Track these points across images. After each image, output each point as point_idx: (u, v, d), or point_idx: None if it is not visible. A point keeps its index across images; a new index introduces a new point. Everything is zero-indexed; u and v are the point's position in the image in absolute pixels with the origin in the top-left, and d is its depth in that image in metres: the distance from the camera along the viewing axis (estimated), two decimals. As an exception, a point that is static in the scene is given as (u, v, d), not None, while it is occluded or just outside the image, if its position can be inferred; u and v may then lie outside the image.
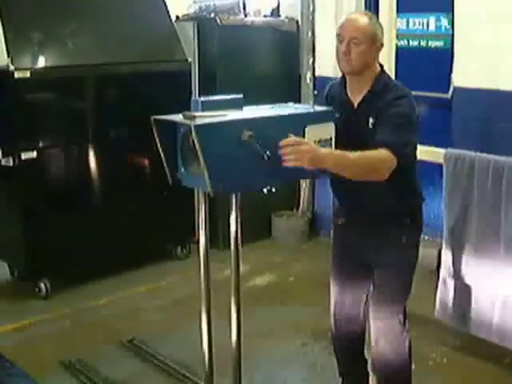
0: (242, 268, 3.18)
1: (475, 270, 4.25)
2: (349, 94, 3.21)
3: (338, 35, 3.11)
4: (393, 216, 3.23)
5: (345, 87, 3.23)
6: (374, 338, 3.38)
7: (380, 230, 3.25)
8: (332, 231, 3.57)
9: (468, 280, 4.29)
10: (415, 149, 3.14)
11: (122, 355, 4.50)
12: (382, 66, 3.23)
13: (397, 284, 3.31)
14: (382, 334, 3.35)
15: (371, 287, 3.38)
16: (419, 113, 3.17)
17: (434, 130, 5.46)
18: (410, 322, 3.36)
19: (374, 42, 3.10)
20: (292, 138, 2.76)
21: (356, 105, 3.17)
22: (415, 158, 3.20)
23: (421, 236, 3.37)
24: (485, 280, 4.20)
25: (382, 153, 2.89)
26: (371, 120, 3.07)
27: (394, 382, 3.43)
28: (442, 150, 4.48)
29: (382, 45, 3.16)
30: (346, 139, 3.05)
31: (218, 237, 5.80)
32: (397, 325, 3.31)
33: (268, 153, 2.72)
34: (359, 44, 3.05)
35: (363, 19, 3.12)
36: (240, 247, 3.12)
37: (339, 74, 3.27)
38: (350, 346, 3.64)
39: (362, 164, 2.90)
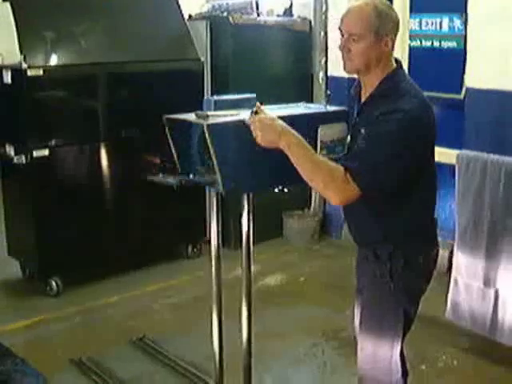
0: (252, 268, 3.17)
1: (487, 272, 4.24)
2: (362, 95, 2.84)
3: (339, 29, 2.72)
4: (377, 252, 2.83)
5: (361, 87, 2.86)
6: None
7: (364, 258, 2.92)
8: None
9: (480, 281, 4.27)
10: (404, 173, 2.65)
11: (131, 353, 4.50)
12: (399, 62, 2.79)
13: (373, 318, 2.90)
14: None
15: None
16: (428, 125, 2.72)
17: (446, 131, 5.45)
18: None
19: (378, 36, 2.65)
20: (258, 105, 2.70)
21: (359, 108, 2.83)
22: (414, 187, 2.74)
23: (422, 283, 2.88)
24: (497, 282, 4.19)
25: (342, 177, 2.56)
26: (363, 131, 2.68)
27: None
28: (454, 152, 4.46)
29: (392, 38, 2.70)
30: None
31: (229, 236, 5.79)
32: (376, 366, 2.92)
33: None
34: (359, 40, 2.64)
35: (365, 9, 2.65)
36: (251, 247, 3.11)
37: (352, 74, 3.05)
38: None
39: (315, 166, 2.61)
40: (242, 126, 2.69)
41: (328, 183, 2.59)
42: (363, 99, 2.80)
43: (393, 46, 2.74)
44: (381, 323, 2.86)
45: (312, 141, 2.81)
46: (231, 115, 2.79)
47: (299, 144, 2.62)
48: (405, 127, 2.57)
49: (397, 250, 2.77)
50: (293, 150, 2.61)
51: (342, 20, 2.72)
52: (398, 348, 2.88)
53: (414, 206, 2.79)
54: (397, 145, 2.57)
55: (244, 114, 2.74)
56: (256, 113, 2.68)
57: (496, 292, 4.21)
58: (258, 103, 2.75)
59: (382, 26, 2.65)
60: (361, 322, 2.94)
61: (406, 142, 2.58)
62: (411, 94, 2.67)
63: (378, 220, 2.80)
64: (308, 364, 4.38)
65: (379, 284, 2.82)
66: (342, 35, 2.71)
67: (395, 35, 2.73)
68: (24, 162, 5.08)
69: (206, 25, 6.20)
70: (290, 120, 2.89)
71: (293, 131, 2.63)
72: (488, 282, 4.24)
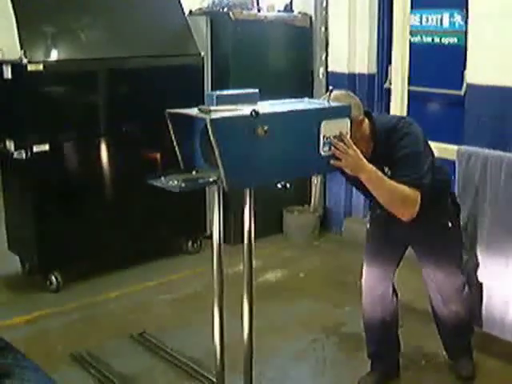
0: (253, 263, 3.17)
1: (488, 268, 4.24)
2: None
3: None
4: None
5: None
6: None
7: None
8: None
9: (480, 277, 4.27)
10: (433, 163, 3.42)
11: (132, 349, 4.51)
12: (368, 116, 3.39)
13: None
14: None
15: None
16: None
17: (446, 127, 5.46)
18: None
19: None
20: (348, 138, 2.98)
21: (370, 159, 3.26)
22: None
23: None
24: (498, 277, 4.19)
25: (410, 190, 3.18)
26: (386, 169, 3.30)
27: None
28: (454, 147, 4.46)
29: (358, 115, 3.25)
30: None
31: (229, 232, 5.80)
32: None
33: None
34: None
35: None
36: (253, 242, 3.11)
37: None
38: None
39: (392, 193, 3.19)
40: (245, 120, 2.69)
41: (407, 204, 3.21)
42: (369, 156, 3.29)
43: (364, 119, 3.35)
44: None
45: (315, 136, 2.85)
46: (233, 110, 2.78)
47: (375, 176, 3.15)
48: (416, 136, 3.35)
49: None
50: (373, 183, 3.17)
51: None
52: None
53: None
54: (423, 150, 3.35)
55: (246, 109, 2.73)
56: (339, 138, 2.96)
57: (497, 288, 4.21)
58: (343, 133, 2.98)
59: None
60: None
61: (422, 143, 3.37)
62: (394, 120, 3.47)
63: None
64: (308, 359, 4.38)
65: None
66: None
67: (359, 108, 3.32)
68: (24, 157, 5.07)
69: (207, 20, 6.20)
70: (294, 115, 2.91)
71: (366, 163, 3.12)
72: (489, 278, 4.24)
